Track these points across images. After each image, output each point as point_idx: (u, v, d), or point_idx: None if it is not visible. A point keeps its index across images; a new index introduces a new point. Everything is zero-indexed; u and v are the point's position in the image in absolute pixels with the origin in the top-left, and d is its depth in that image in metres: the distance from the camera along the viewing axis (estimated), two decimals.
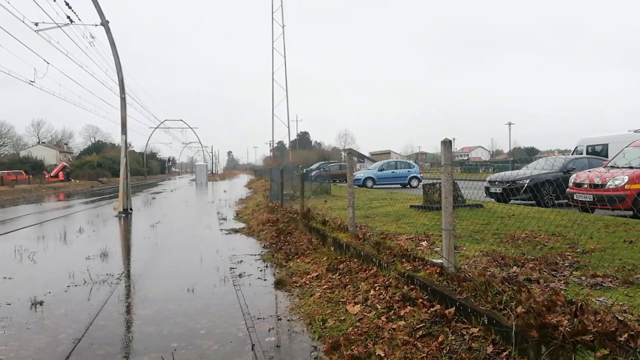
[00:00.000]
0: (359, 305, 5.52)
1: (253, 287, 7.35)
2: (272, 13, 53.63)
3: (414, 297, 5.06)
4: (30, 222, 18.05)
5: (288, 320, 5.65)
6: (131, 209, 21.17)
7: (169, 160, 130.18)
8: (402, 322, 4.66)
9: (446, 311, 4.47)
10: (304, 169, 15.24)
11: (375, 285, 5.96)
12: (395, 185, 28.40)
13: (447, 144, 5.18)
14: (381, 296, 5.55)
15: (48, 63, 23.05)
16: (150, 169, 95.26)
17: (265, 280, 7.81)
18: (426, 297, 4.99)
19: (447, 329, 4.24)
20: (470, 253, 6.28)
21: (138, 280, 8.00)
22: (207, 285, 7.53)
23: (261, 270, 8.52)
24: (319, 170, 29.10)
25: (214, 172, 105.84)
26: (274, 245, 10.87)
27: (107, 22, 20.45)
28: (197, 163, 75.42)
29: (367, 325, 4.87)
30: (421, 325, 4.48)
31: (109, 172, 69.18)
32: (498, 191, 14.70)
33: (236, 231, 14.02)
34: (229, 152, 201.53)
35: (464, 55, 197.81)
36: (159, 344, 5.01)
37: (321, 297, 6.22)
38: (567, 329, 3.23)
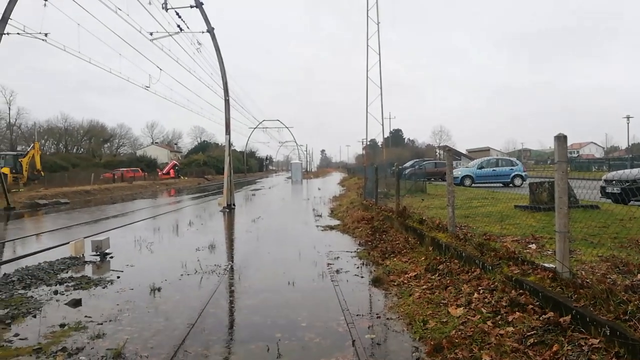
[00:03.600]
0: (461, 308, 5.33)
1: (350, 283, 7.42)
2: (367, 10, 53.23)
3: (523, 302, 4.78)
4: (147, 215, 19.86)
5: (387, 318, 5.62)
6: (234, 205, 22.42)
7: (266, 158, 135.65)
8: (510, 328, 4.43)
9: (561, 319, 4.16)
10: (399, 167, 15.05)
11: (479, 288, 5.72)
12: (496, 184, 26.96)
13: (561, 139, 4.82)
14: (486, 300, 5.32)
15: (161, 69, 25.22)
16: (250, 167, 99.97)
17: (362, 277, 7.85)
18: (537, 303, 4.68)
19: (562, 338, 3.95)
20: (586, 258, 5.79)
21: (242, 272, 8.44)
22: (306, 280, 7.75)
23: (358, 268, 8.58)
24: (413, 167, 28.52)
25: (308, 170, 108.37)
26: (370, 243, 10.88)
27: (213, 29, 21.81)
28: (292, 161, 77.69)
29: (472, 329, 4.69)
30: (532, 332, 4.22)
31: (213, 170, 73.82)
32: (616, 191, 13.34)
33: (331, 228, 14.24)
34: (322, 151, 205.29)
35: (570, 48, 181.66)
36: (264, 333, 5.26)
37: (421, 298, 6.11)
38: None
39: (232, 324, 5.75)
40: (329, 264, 8.91)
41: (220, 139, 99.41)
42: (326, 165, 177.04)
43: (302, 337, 5.11)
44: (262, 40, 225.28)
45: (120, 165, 61.13)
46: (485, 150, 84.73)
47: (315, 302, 6.46)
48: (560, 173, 4.75)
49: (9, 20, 20.77)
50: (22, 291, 7.15)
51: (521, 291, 5.01)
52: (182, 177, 62.06)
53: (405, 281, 7.05)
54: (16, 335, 5.27)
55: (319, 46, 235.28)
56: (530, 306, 4.66)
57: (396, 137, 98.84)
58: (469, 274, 6.32)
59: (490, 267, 5.91)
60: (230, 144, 23.49)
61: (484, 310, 5.06)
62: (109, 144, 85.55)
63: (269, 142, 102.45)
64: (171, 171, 62.60)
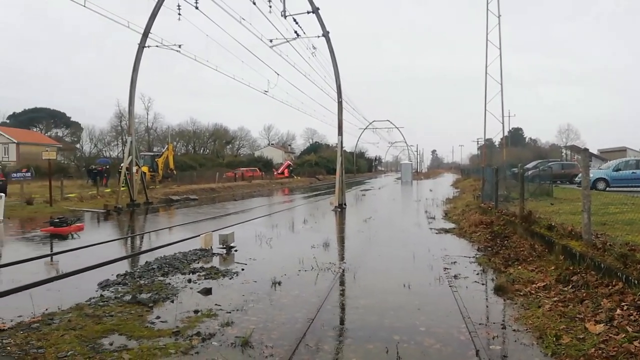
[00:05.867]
0: (602, 325, 4.81)
1: (470, 290, 7.09)
2: (487, 3, 50.39)
3: None
4: (265, 212, 20.98)
5: (514, 330, 5.26)
6: (345, 204, 22.72)
7: (375, 159, 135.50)
8: None
9: None
10: (523, 168, 14.04)
11: (623, 304, 5.12)
12: (636, 189, 23.94)
13: None
14: (631, 317, 4.75)
15: (278, 74, 26.48)
16: (359, 167, 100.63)
17: (483, 284, 7.46)
18: None
19: None
20: None
21: (356, 271, 8.50)
22: (422, 283, 7.57)
23: (477, 274, 8.17)
24: (536, 169, 26.41)
25: (418, 170, 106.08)
26: (490, 249, 10.30)
27: (328, 32, 22.30)
28: (402, 162, 76.69)
29: (615, 349, 4.21)
30: None
31: (324, 170, 75.71)
32: None
33: (446, 231, 13.76)
34: (433, 151, 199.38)
35: None
36: (381, 335, 5.24)
37: (552, 310, 5.63)
38: None
39: (349, 322, 5.81)
40: (445, 268, 8.61)
41: (331, 140, 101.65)
42: (437, 166, 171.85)
43: (421, 342, 5.00)
44: (373, 43, 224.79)
45: (240, 165, 65.32)
46: (622, 151, 75.47)
47: (433, 307, 6.27)
48: None
49: (149, 34, 23.35)
50: (161, 278, 7.95)
51: None
52: (295, 177, 64.52)
53: (533, 291, 6.54)
54: (157, 317, 5.87)
55: (432, 43, 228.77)
56: None
57: (516, 136, 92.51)
58: (609, 287, 5.69)
59: (636, 281, 5.26)
60: (342, 145, 23.86)
61: (629, 329, 4.52)
62: (230, 145, 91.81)
63: (379, 143, 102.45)
64: (285, 171, 65.38)
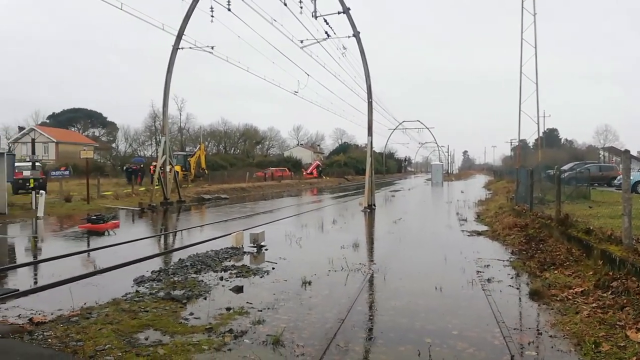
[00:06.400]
0: None
1: (504, 294, 6.93)
2: (522, 1, 49.22)
3: None
4: (295, 212, 21.08)
5: (550, 336, 5.12)
6: (374, 205, 22.61)
7: (405, 159, 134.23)
8: None
9: None
10: (559, 170, 13.65)
11: None
12: None
13: None
14: None
15: (308, 75, 26.58)
16: (388, 168, 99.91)
17: (517, 288, 7.30)
18: None
19: None
20: None
21: (387, 272, 8.44)
22: (454, 286, 7.46)
23: (512, 278, 8.00)
24: (572, 171, 25.68)
25: (449, 172, 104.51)
26: (524, 252, 10.06)
27: (358, 32, 22.25)
28: (433, 163, 75.72)
29: None
30: None
31: (353, 171, 75.52)
32: None
33: (479, 233, 13.52)
34: (465, 152, 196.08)
35: None
36: (413, 337, 5.19)
37: (590, 317, 5.45)
38: None
39: (380, 323, 5.76)
40: (478, 271, 8.46)
41: (360, 141, 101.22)
42: (468, 167, 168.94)
43: (453, 346, 4.92)
44: (402, 42, 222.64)
45: (270, 165, 65.86)
46: None
47: (465, 311, 6.17)
48: None
49: (183, 36, 23.80)
50: (194, 275, 8.10)
51: None
52: (324, 177, 64.57)
53: (570, 297, 6.35)
54: (191, 314, 5.98)
55: (461, 42, 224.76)
56: None
57: (551, 137, 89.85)
58: None
59: None
60: (372, 146, 23.75)
61: None
62: (260, 145, 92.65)
63: (408, 143, 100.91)
64: (314, 171, 65.54)
